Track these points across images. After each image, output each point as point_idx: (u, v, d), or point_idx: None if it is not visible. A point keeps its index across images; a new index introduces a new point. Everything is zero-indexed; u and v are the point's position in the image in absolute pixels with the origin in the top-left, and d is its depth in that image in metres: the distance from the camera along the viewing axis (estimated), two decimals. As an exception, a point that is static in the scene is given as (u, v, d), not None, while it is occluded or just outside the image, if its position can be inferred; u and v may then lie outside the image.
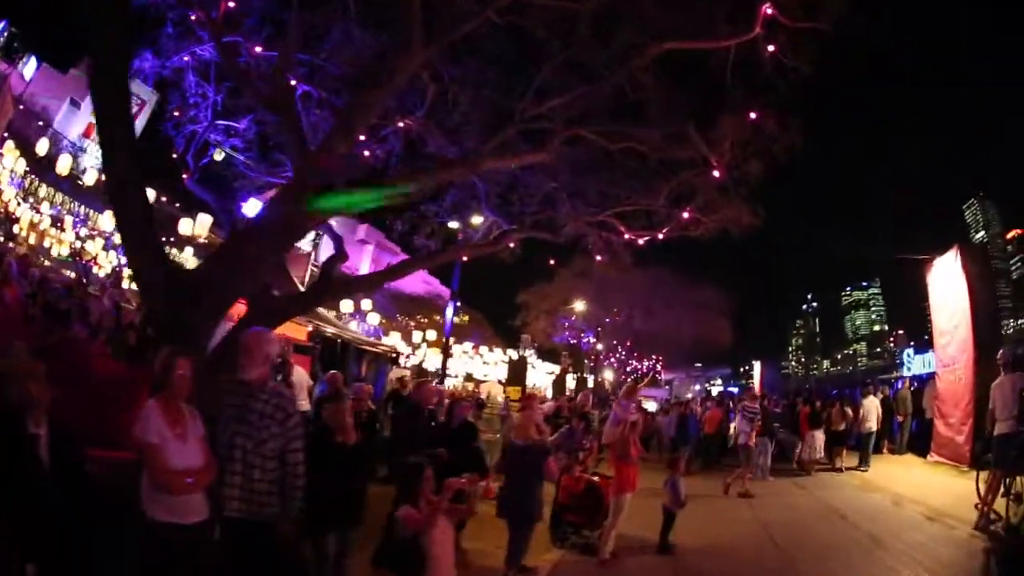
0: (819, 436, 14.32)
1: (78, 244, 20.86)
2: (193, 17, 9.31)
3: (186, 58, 10.50)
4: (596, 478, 8.77)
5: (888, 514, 9.78)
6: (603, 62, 9.24)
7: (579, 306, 30.63)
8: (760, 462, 13.48)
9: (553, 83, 9.35)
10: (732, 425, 19.11)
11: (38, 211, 19.57)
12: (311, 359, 12.46)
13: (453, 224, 14.19)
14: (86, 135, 32.53)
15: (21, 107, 24.18)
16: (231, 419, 3.82)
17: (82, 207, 22.89)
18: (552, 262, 21.37)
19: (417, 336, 41.36)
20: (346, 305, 29.83)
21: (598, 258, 13.21)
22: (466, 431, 7.91)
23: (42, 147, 19.38)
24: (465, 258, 15.54)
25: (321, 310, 14.05)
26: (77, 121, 31.84)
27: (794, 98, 9.68)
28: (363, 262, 66.13)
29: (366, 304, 29.98)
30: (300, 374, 9.57)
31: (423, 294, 62.91)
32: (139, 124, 32.63)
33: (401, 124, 10.99)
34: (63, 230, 20.87)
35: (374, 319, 38.84)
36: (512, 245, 12.59)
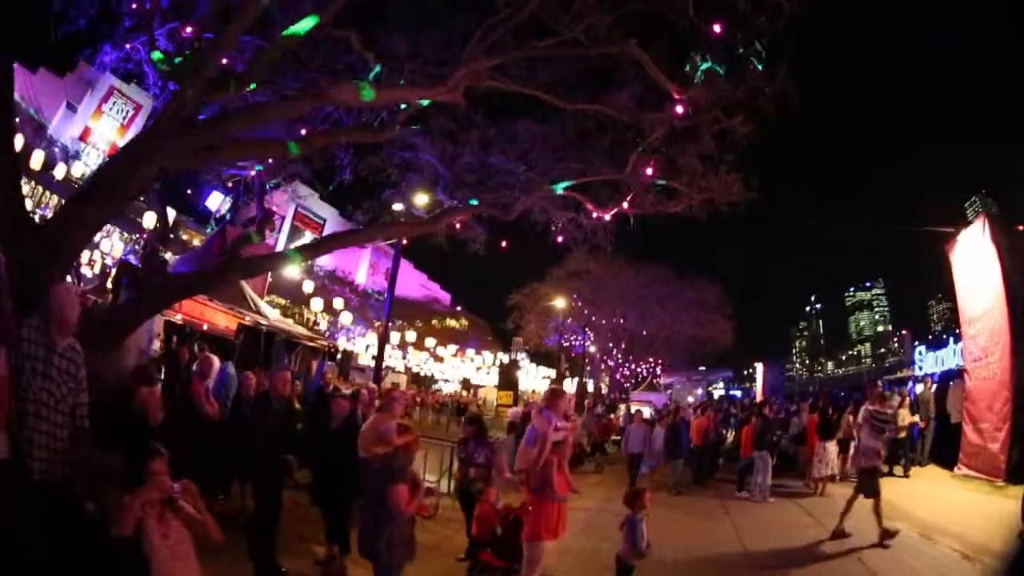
0: (831, 448, 11.91)
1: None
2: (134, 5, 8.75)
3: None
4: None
5: (916, 553, 7.50)
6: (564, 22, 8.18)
7: (560, 303, 28.53)
8: (759, 480, 11.47)
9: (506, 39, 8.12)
10: (728, 432, 16.90)
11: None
12: (234, 351, 10.82)
13: (398, 207, 13.57)
14: (82, 139, 31.87)
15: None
16: (36, 374, 3.67)
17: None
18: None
19: (411, 337, 39.91)
20: (316, 304, 28.21)
21: (560, 239, 12.38)
22: (351, 433, 6.05)
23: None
24: (405, 240, 14.96)
25: (256, 299, 12.32)
26: (73, 123, 32.52)
27: (779, 38, 8.75)
28: (360, 268, 65.01)
29: (338, 303, 28.26)
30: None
31: (420, 299, 61.38)
32: (136, 129, 32.33)
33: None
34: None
35: (347, 318, 37.04)
36: (458, 226, 11.83)
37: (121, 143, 32.88)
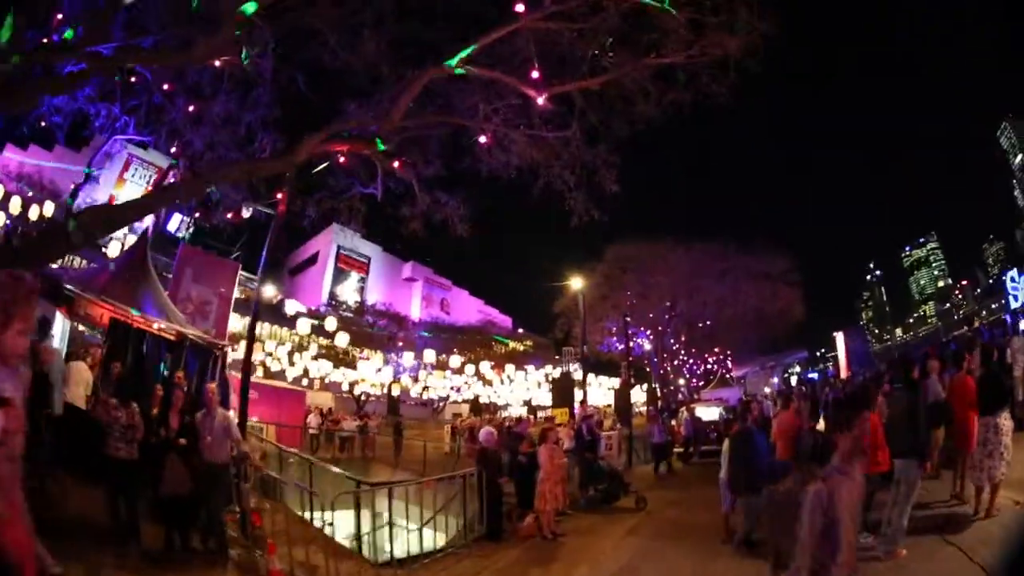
0: (1005, 425, 6.61)
1: None
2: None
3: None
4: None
5: None
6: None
7: (576, 283, 24.35)
8: (895, 516, 6.04)
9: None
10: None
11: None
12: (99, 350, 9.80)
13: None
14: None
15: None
16: None
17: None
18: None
19: (470, 369, 36.79)
20: (341, 339, 25.42)
21: (483, 140, 11.15)
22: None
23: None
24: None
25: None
26: (97, 192, 32.04)
27: None
28: (414, 303, 62.75)
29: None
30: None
31: (477, 324, 58.30)
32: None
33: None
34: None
35: (408, 359, 34.15)
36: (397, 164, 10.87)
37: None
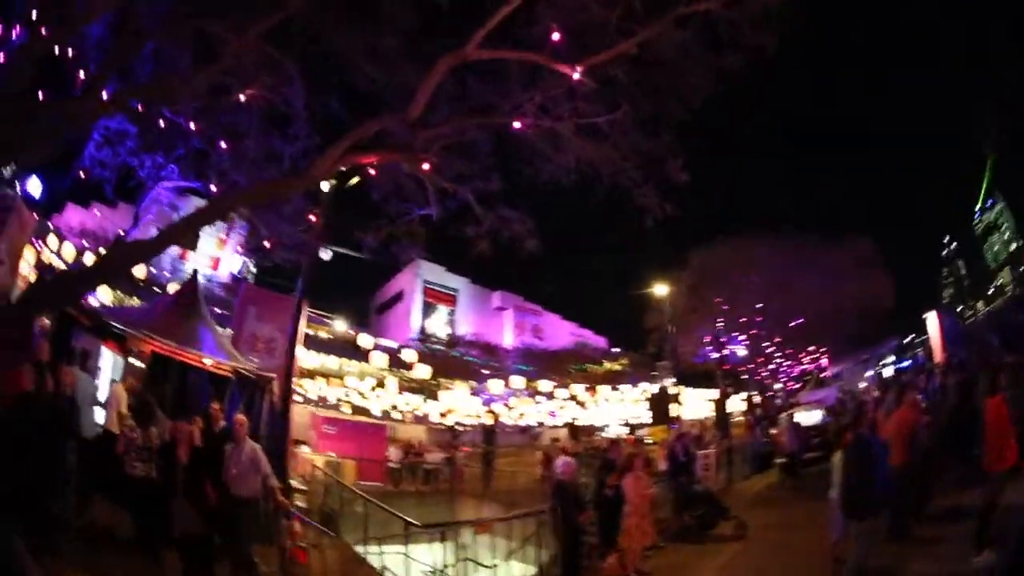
0: None
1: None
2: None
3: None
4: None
5: None
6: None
7: (660, 290, 22.72)
8: None
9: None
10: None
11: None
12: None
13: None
14: (182, 258, 32.61)
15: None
16: None
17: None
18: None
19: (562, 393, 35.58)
20: (423, 371, 25.16)
21: (518, 124, 9.98)
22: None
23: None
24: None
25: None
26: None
27: None
28: (505, 331, 62.30)
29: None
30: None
31: (570, 347, 56.81)
32: (235, 239, 33.22)
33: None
34: None
35: (497, 386, 33.57)
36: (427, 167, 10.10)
37: (222, 254, 33.20)
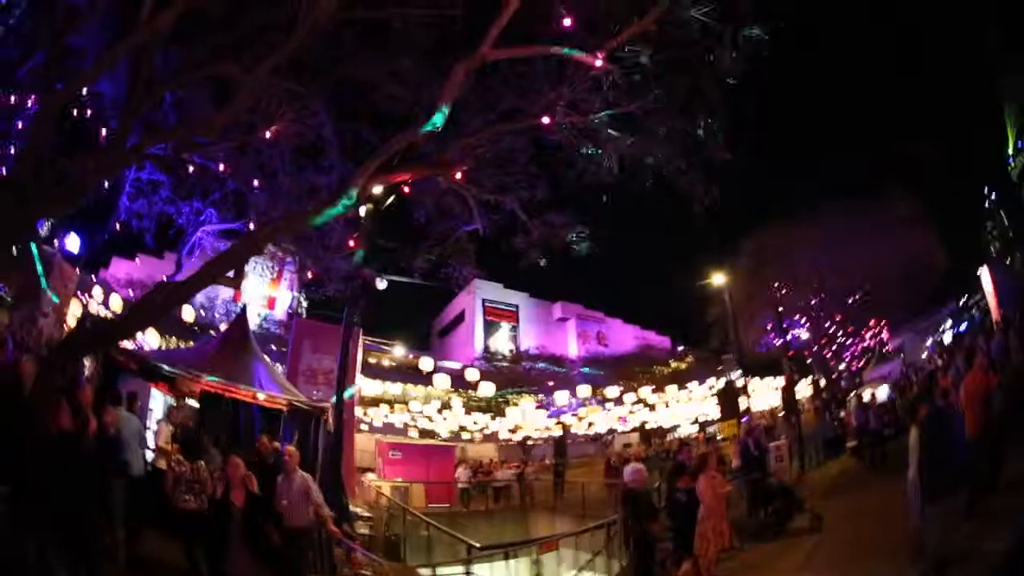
0: None
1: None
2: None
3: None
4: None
5: None
6: None
7: (718, 279, 21.79)
8: None
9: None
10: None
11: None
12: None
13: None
14: (235, 300, 33.69)
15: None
16: None
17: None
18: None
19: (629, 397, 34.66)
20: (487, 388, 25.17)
21: (546, 120, 9.64)
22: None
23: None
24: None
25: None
26: (221, 289, 32.99)
27: None
28: (570, 341, 61.69)
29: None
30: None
31: (635, 350, 55.60)
32: (287, 279, 34.20)
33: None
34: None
35: (562, 398, 33.13)
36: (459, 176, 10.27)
37: (277, 294, 34.12)
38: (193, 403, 10.25)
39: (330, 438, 10.86)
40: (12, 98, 9.79)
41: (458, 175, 10.27)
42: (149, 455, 8.19)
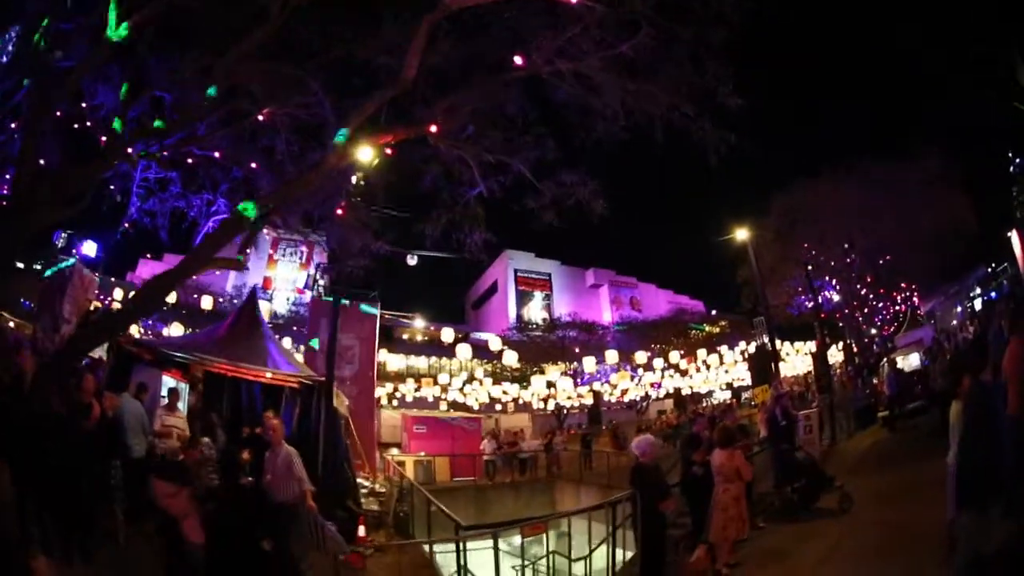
0: None
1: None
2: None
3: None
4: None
5: None
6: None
7: (741, 235, 20.98)
8: None
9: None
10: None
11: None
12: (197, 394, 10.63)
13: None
14: (265, 287, 34.20)
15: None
16: None
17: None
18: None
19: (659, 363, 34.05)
20: (510, 357, 24.72)
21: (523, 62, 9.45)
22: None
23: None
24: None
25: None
26: (252, 277, 34.30)
27: None
28: (603, 308, 61.19)
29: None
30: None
31: (668, 314, 54.76)
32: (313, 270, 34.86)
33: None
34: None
35: (590, 364, 32.75)
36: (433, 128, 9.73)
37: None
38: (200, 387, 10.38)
39: (333, 414, 10.71)
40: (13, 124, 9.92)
41: (450, 135, 9.99)
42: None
